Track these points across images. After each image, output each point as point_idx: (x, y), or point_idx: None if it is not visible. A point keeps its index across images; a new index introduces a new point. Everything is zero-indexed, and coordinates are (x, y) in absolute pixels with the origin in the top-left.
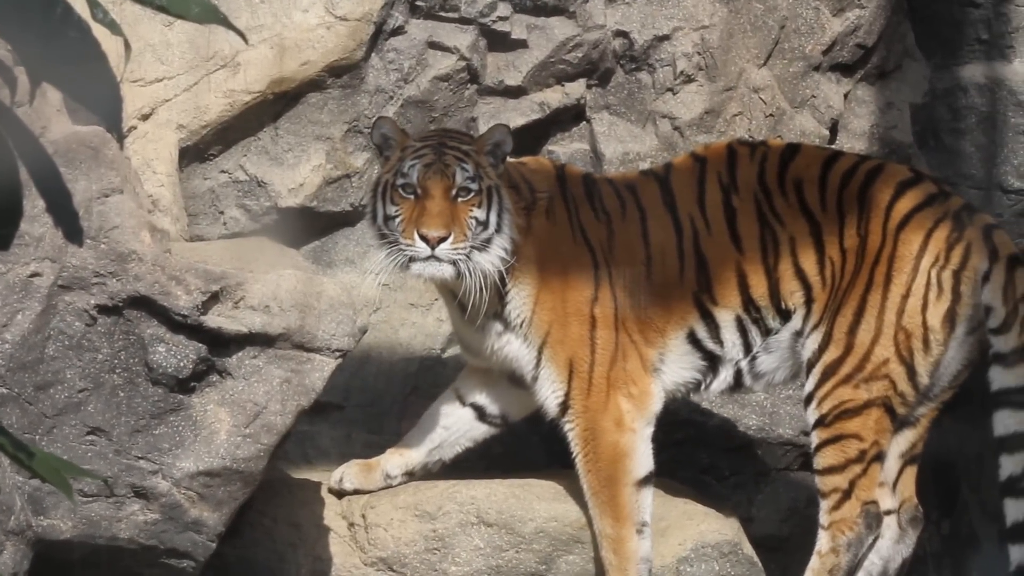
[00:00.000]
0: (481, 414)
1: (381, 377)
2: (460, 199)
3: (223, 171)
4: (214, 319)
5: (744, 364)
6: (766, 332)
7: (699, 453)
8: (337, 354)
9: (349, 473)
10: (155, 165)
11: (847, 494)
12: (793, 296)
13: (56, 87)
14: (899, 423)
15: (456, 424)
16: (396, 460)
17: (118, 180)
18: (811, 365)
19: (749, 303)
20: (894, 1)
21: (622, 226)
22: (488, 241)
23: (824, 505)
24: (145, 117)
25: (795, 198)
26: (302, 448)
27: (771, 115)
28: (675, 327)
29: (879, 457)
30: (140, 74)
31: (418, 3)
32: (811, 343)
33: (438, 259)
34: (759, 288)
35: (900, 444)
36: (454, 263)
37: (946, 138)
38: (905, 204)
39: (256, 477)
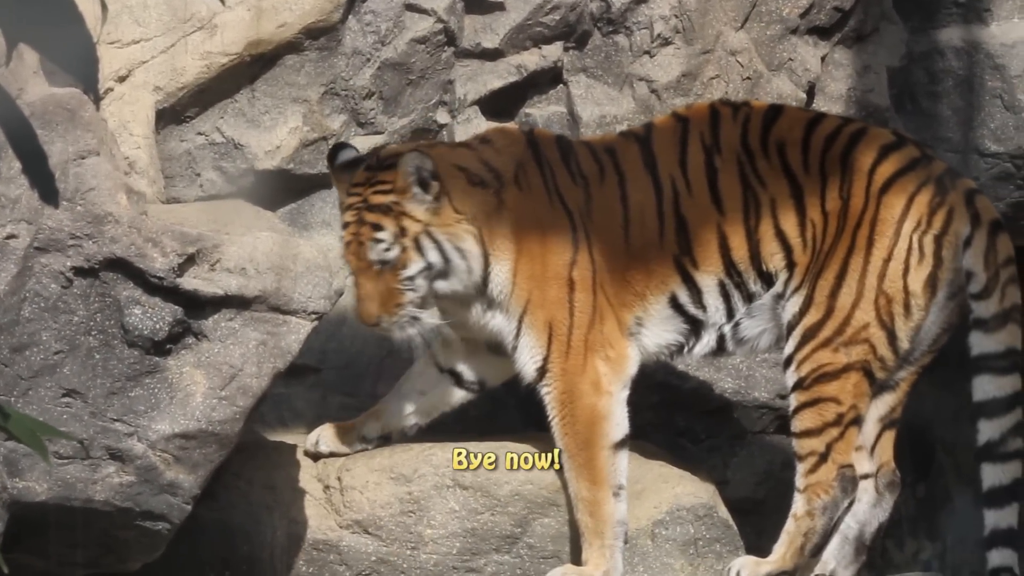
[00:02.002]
0: (458, 380)
1: (357, 339)
2: (385, 270)
3: (200, 133)
4: (190, 281)
5: (727, 329)
6: (748, 298)
7: (675, 416)
8: (313, 316)
9: (324, 436)
10: (132, 127)
11: (824, 457)
12: (774, 259)
13: (33, 48)
14: (878, 387)
15: (433, 390)
16: (372, 424)
17: (94, 142)
18: (791, 328)
19: (731, 267)
20: None
21: (600, 189)
22: (443, 274)
23: (800, 468)
24: (122, 79)
25: (777, 160)
26: (278, 411)
27: (748, 78)
28: (656, 291)
29: (857, 421)
30: (117, 36)
31: None
32: (791, 305)
33: (388, 330)
34: (740, 251)
35: (879, 408)
36: (403, 328)
37: (923, 101)
38: (888, 168)
39: (232, 439)
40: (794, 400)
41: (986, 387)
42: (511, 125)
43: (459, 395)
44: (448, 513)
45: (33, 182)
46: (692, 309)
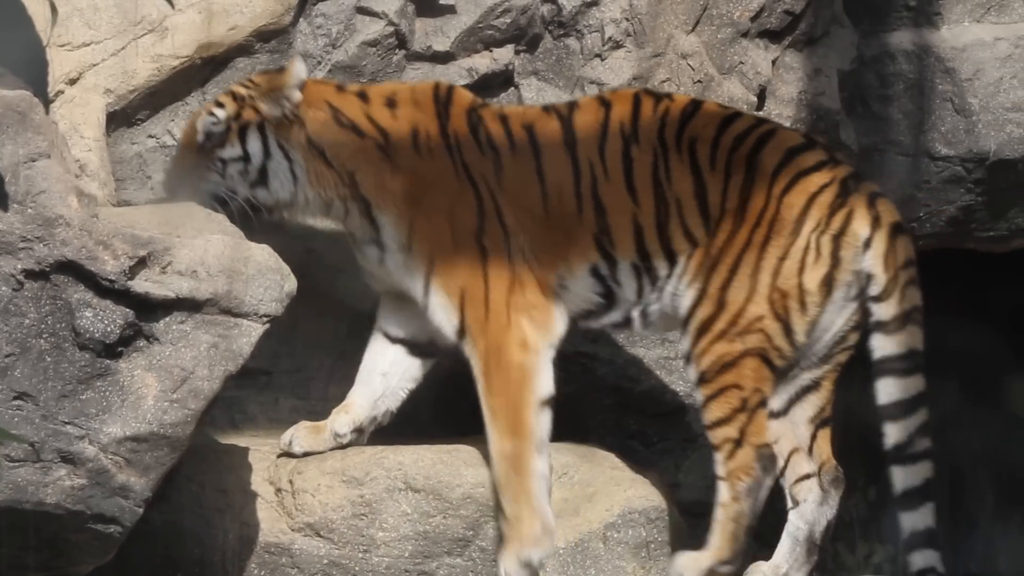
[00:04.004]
0: (410, 347)
1: (309, 342)
2: (205, 145)
3: (151, 136)
4: (141, 284)
5: (636, 309)
6: (654, 281)
7: (627, 419)
8: (265, 319)
9: (298, 436)
10: (82, 130)
11: (738, 443)
12: (680, 254)
13: None
14: (782, 376)
15: (392, 367)
16: (343, 418)
17: (45, 145)
18: (686, 322)
19: (643, 255)
20: None
21: (512, 160)
22: (263, 171)
23: (719, 457)
24: (72, 81)
25: (688, 156)
26: (229, 414)
27: (699, 81)
28: (578, 257)
29: (763, 403)
30: (67, 38)
31: None
32: (686, 300)
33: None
34: (653, 243)
35: (807, 410)
36: (223, 202)
37: (874, 105)
38: (791, 169)
39: (183, 442)
40: (700, 394)
41: (890, 389)
42: (427, 88)
43: (417, 364)
44: (400, 516)
45: None
46: (609, 281)
